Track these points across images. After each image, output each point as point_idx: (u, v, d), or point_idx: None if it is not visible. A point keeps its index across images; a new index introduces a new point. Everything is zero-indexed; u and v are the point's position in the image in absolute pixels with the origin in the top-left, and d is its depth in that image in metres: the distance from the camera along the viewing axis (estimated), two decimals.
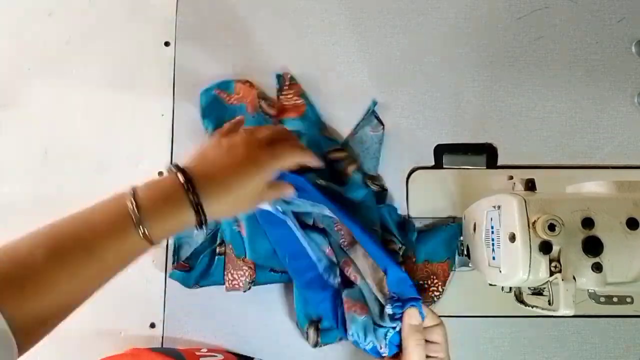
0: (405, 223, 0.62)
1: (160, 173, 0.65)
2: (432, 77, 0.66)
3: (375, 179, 0.63)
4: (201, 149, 0.46)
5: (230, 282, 0.59)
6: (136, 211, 0.39)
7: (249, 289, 0.59)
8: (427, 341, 0.50)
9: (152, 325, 0.61)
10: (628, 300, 0.56)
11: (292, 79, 0.64)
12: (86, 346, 0.60)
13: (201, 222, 0.42)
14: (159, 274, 0.62)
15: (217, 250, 0.60)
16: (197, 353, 0.56)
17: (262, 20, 0.68)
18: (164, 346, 0.61)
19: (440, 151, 0.64)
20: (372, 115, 0.64)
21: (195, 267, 0.60)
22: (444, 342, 0.50)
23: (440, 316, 0.53)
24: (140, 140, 0.66)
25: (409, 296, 0.52)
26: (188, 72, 0.67)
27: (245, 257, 0.59)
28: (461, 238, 0.60)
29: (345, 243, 0.59)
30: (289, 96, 0.63)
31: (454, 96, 0.66)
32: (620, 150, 0.64)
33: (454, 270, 0.61)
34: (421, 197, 0.63)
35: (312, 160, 0.51)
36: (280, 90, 0.65)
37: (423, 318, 0.51)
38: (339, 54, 0.67)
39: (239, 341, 0.61)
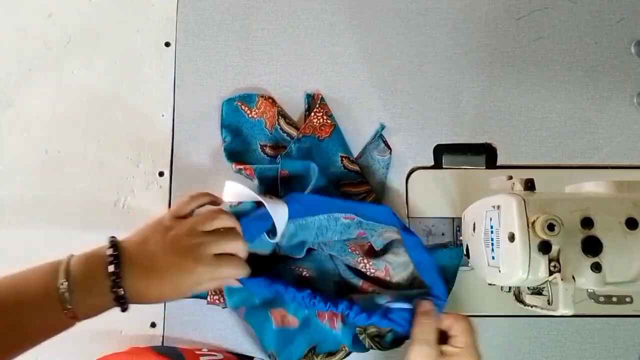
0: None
1: (161, 173, 0.65)
2: (432, 77, 0.66)
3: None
4: (146, 230, 0.46)
5: (212, 296, 0.60)
6: (66, 291, 0.39)
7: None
8: (450, 335, 0.49)
9: (153, 325, 0.61)
10: (627, 300, 0.56)
11: (322, 99, 0.64)
12: (86, 345, 0.60)
13: (120, 300, 0.42)
14: None
15: None
16: (198, 352, 0.57)
17: (262, 21, 0.68)
18: (164, 343, 0.61)
19: (440, 151, 0.65)
20: (379, 139, 0.64)
21: None
22: (465, 334, 0.47)
23: None
24: (140, 140, 0.66)
25: (436, 294, 0.53)
26: (188, 72, 0.67)
27: None
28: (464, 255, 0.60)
29: (365, 261, 0.58)
30: (319, 114, 0.63)
31: (453, 96, 0.66)
32: (619, 150, 0.65)
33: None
34: (421, 197, 0.63)
35: (243, 250, 0.49)
36: (310, 109, 0.65)
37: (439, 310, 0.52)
38: (339, 55, 0.67)
39: (239, 341, 0.61)
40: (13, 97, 0.67)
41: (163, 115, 0.66)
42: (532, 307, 0.47)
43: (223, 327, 0.61)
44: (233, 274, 0.48)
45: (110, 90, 0.67)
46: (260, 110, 0.65)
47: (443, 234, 0.63)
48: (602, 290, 0.45)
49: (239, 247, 0.49)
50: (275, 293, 0.55)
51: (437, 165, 0.64)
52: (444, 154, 0.64)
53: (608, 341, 0.61)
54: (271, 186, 0.62)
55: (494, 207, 0.49)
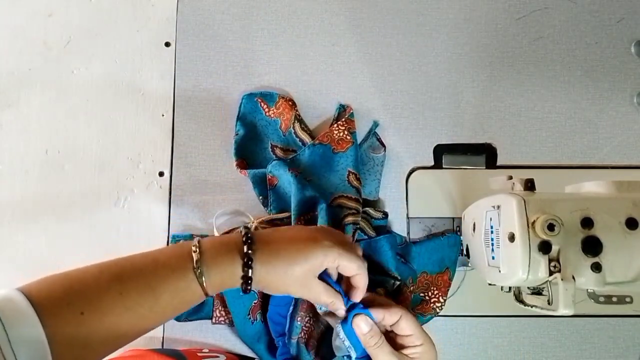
0: (407, 246, 0.61)
1: (161, 173, 0.65)
2: (432, 77, 0.66)
3: (375, 204, 0.63)
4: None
5: (217, 318, 0.60)
6: (198, 258, 0.42)
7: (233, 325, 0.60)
8: (398, 335, 0.48)
9: None
10: (627, 300, 0.56)
11: (351, 115, 0.64)
12: None
13: (247, 279, 0.43)
14: None
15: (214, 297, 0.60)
16: (199, 354, 0.56)
17: (262, 21, 0.68)
18: (164, 345, 0.61)
19: (440, 151, 0.65)
20: (373, 136, 0.64)
21: None
22: (416, 329, 0.47)
23: (439, 315, 0.53)
24: (140, 140, 0.66)
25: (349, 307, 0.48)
26: (188, 72, 0.67)
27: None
28: (461, 245, 0.60)
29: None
30: (341, 128, 0.62)
31: (453, 96, 0.66)
32: (619, 150, 0.65)
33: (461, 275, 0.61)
34: (421, 197, 0.63)
35: (362, 279, 0.47)
36: (337, 119, 0.64)
37: (373, 319, 0.47)
38: (339, 55, 0.67)
39: (239, 341, 0.61)
40: (13, 97, 0.67)
41: (163, 115, 0.66)
42: (532, 307, 0.47)
43: (223, 327, 0.61)
44: (352, 263, 0.46)
45: (110, 90, 0.67)
46: (279, 111, 0.65)
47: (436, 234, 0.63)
48: (602, 290, 0.45)
49: (362, 276, 0.47)
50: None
51: (437, 165, 0.64)
52: (444, 154, 0.64)
53: (608, 341, 0.61)
54: (264, 189, 0.62)
55: (494, 207, 0.49)
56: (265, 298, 0.59)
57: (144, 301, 0.40)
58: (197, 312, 0.61)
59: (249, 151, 0.64)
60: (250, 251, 0.43)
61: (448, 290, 0.60)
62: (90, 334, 0.37)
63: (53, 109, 0.67)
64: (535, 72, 0.66)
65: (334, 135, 0.62)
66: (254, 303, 0.59)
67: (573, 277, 0.42)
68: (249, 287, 0.44)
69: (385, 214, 0.62)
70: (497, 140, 0.65)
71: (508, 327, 0.61)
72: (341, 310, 0.48)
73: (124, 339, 0.40)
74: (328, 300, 0.47)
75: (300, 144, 0.63)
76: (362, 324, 0.47)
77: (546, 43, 0.67)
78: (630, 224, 0.44)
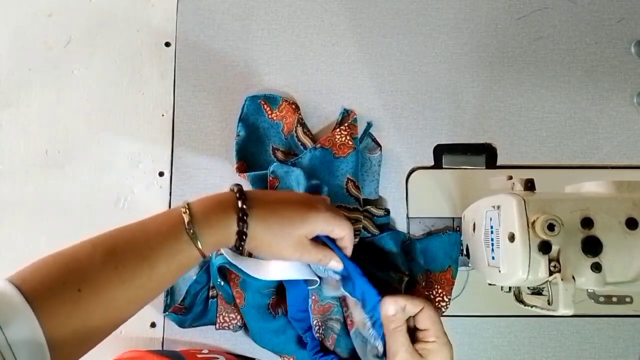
0: (410, 244, 0.61)
1: (160, 173, 0.65)
2: (432, 77, 0.66)
3: (377, 203, 0.63)
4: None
5: (220, 324, 0.60)
6: (190, 220, 0.41)
7: (240, 329, 0.60)
8: (417, 329, 0.49)
9: (153, 325, 0.61)
10: (627, 300, 0.56)
11: (354, 120, 0.63)
12: None
13: (242, 234, 0.43)
14: None
15: (210, 293, 0.60)
16: (199, 355, 0.56)
17: (262, 21, 0.68)
18: (164, 346, 0.61)
19: (440, 151, 0.65)
20: (368, 137, 0.64)
21: (190, 311, 0.60)
22: (433, 325, 0.48)
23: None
24: (140, 140, 0.66)
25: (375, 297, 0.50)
26: (188, 72, 0.67)
27: (236, 303, 0.59)
28: (462, 244, 0.60)
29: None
30: (344, 133, 0.61)
31: (453, 96, 0.66)
32: (619, 150, 0.65)
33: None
34: (421, 197, 0.63)
35: (350, 239, 0.50)
36: (340, 123, 0.64)
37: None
38: (339, 55, 0.67)
39: (240, 341, 0.61)
40: (13, 97, 0.67)
41: (163, 115, 0.66)
42: (532, 307, 0.47)
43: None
44: (344, 229, 0.48)
45: (110, 90, 0.67)
46: (282, 114, 0.65)
47: (438, 231, 0.63)
48: (602, 290, 0.45)
49: (350, 236, 0.49)
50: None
51: (437, 165, 0.64)
52: (444, 154, 0.64)
53: (608, 341, 0.61)
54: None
55: (494, 207, 0.49)
56: (280, 295, 0.59)
57: (140, 272, 0.39)
58: (201, 318, 0.61)
59: (249, 153, 0.64)
60: (244, 206, 0.43)
61: (452, 289, 0.60)
62: (89, 312, 0.37)
63: (53, 109, 0.67)
64: (535, 72, 0.66)
65: (336, 139, 0.61)
66: (272, 299, 0.58)
67: (573, 277, 0.42)
68: (243, 244, 0.43)
69: (387, 211, 0.62)
70: (497, 140, 0.65)
71: (508, 327, 0.61)
72: (335, 262, 0.49)
73: (125, 313, 0.40)
74: (325, 258, 0.48)
75: (302, 147, 0.63)
76: (390, 306, 0.48)
77: (546, 43, 0.67)
78: (630, 224, 0.44)
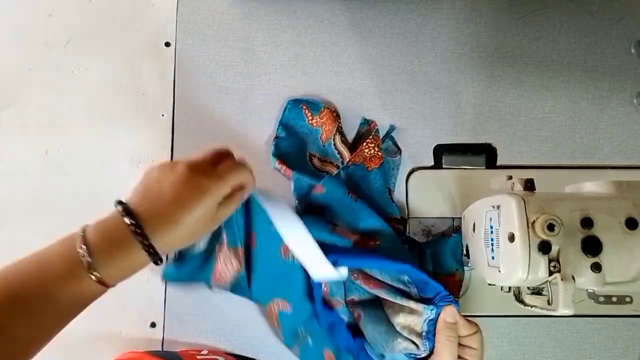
0: (419, 250, 0.61)
1: None
2: (432, 77, 0.66)
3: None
4: (144, 182, 0.44)
5: (219, 275, 0.59)
6: (87, 256, 0.39)
7: (237, 284, 0.59)
8: (464, 345, 0.50)
9: (153, 325, 0.61)
10: (627, 299, 0.57)
11: (377, 131, 0.63)
12: (85, 345, 0.60)
13: (156, 260, 0.41)
14: (159, 273, 0.62)
15: (217, 249, 0.60)
16: (198, 357, 0.56)
17: (262, 21, 0.68)
18: (164, 346, 0.61)
19: (440, 151, 0.65)
20: (389, 140, 0.64)
21: (184, 258, 0.59)
22: (480, 349, 0.49)
23: None
24: (140, 140, 0.66)
25: (442, 293, 0.52)
26: (188, 72, 0.67)
27: (238, 247, 0.59)
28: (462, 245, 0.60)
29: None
30: (371, 145, 0.62)
31: (453, 96, 0.66)
32: (619, 150, 0.65)
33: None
34: (421, 197, 0.63)
35: (252, 179, 0.47)
36: (363, 136, 0.64)
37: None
38: (339, 55, 0.67)
39: (240, 341, 0.61)
40: (13, 97, 0.67)
41: (163, 115, 0.66)
42: (532, 307, 0.47)
43: (224, 327, 0.61)
44: (238, 175, 0.45)
45: (110, 90, 0.67)
46: (322, 121, 0.64)
47: (443, 234, 0.63)
48: (602, 290, 0.45)
49: (249, 179, 0.47)
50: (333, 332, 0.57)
51: (437, 165, 0.64)
52: (444, 154, 0.64)
53: (608, 341, 0.61)
54: (303, 197, 0.62)
55: (494, 207, 0.49)
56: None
57: (45, 314, 0.38)
58: (199, 272, 0.59)
59: (286, 154, 0.63)
60: (145, 238, 0.40)
61: (460, 291, 0.60)
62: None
63: (53, 109, 0.67)
64: (535, 72, 0.66)
65: (365, 153, 0.62)
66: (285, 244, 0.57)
67: (573, 277, 0.42)
68: (159, 259, 0.41)
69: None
70: (497, 140, 0.65)
71: (508, 327, 0.61)
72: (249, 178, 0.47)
73: (37, 348, 0.39)
74: (228, 211, 0.46)
75: (337, 156, 0.63)
76: (451, 313, 0.50)
77: (546, 43, 0.67)
78: (630, 224, 0.44)
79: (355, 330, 0.58)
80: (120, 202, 0.43)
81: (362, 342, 0.57)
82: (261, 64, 0.67)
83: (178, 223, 0.41)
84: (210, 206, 0.43)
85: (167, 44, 0.68)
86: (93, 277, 0.39)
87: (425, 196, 0.63)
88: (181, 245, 0.44)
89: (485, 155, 0.64)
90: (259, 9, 0.68)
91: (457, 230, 0.62)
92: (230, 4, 0.68)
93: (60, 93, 0.67)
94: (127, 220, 0.41)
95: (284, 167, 0.62)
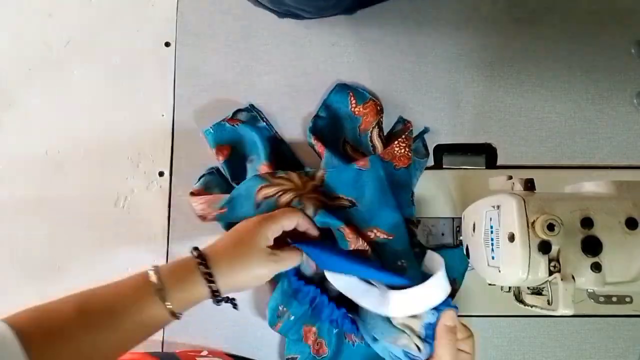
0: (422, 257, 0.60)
1: (160, 173, 0.65)
2: (432, 77, 0.66)
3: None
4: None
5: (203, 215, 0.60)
6: (159, 284, 0.44)
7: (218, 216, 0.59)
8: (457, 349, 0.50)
9: None
10: (627, 299, 0.56)
11: (410, 132, 0.62)
12: None
13: (215, 294, 0.47)
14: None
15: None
16: (198, 358, 0.56)
17: (262, 21, 0.68)
18: (164, 347, 0.61)
19: (440, 151, 0.65)
20: (419, 141, 0.64)
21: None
22: (473, 352, 0.50)
23: None
24: (140, 140, 0.66)
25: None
26: (188, 72, 0.67)
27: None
28: (468, 261, 0.60)
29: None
30: (402, 145, 0.60)
31: (453, 96, 0.66)
32: (619, 150, 0.65)
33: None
34: (421, 197, 0.63)
35: (304, 223, 0.54)
36: (395, 135, 0.63)
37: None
38: (339, 55, 0.67)
39: (240, 342, 0.61)
40: (13, 97, 0.67)
41: (163, 115, 0.66)
42: (532, 307, 0.47)
43: (224, 328, 0.61)
44: (285, 218, 0.52)
45: (110, 90, 0.67)
46: (365, 111, 0.64)
47: (443, 234, 0.63)
48: (602, 290, 0.45)
49: (302, 220, 0.55)
50: (314, 307, 0.57)
51: (437, 165, 0.64)
52: (444, 154, 0.64)
53: (608, 341, 0.61)
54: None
55: (494, 207, 0.49)
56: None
57: (110, 332, 0.42)
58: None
59: (322, 134, 0.63)
60: (208, 272, 0.46)
61: (453, 298, 0.59)
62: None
63: (53, 109, 0.67)
64: (535, 72, 0.66)
65: (395, 152, 0.61)
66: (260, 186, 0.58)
67: (573, 277, 0.42)
68: (220, 298, 0.48)
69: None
70: (497, 140, 0.65)
71: (508, 327, 0.61)
72: (313, 230, 0.55)
73: None
74: (295, 256, 0.53)
75: (370, 149, 0.62)
76: (451, 317, 0.50)
77: (546, 43, 0.67)
78: (630, 224, 0.44)
79: (343, 303, 0.57)
80: (195, 247, 0.49)
81: (353, 315, 0.57)
82: (261, 64, 0.67)
83: (234, 262, 0.48)
84: (259, 240, 0.50)
85: (167, 44, 0.68)
86: (162, 303, 0.44)
87: (425, 196, 0.63)
88: (241, 286, 0.50)
89: (485, 155, 0.64)
90: (258, 9, 0.68)
91: (456, 229, 0.61)
92: (230, 4, 0.68)
93: (60, 93, 0.67)
94: (194, 253, 0.48)
95: (319, 144, 0.62)
